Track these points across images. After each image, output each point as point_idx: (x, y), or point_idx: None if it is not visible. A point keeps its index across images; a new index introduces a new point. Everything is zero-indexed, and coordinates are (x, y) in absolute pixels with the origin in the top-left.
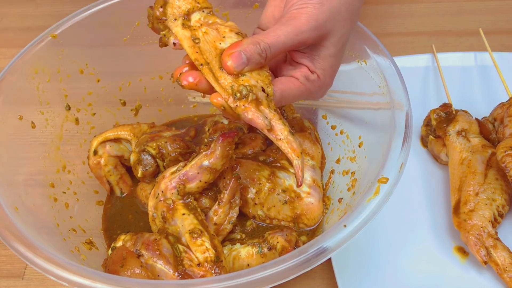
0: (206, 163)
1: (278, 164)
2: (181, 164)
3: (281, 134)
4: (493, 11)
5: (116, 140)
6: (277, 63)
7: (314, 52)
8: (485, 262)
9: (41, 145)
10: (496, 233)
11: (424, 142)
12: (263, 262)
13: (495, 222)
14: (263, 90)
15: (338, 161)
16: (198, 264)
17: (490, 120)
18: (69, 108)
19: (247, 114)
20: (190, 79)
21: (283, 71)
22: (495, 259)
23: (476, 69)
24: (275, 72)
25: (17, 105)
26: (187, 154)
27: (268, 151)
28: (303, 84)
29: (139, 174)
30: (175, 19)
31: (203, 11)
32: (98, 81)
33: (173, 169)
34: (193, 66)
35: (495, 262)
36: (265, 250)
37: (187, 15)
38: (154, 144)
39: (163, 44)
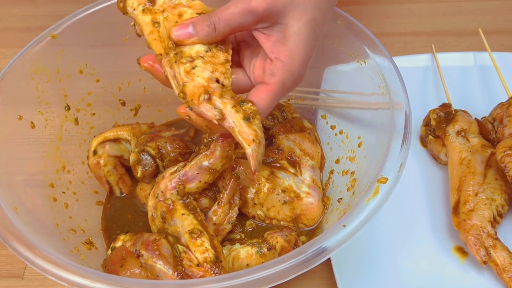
0: (205, 163)
1: (278, 164)
2: (180, 164)
3: (233, 122)
4: (493, 11)
5: (116, 140)
6: (246, 55)
7: (277, 33)
8: (485, 262)
9: (40, 145)
10: (496, 233)
11: (423, 142)
12: (262, 262)
13: (494, 222)
14: (218, 81)
15: (337, 161)
16: (198, 265)
17: (489, 120)
18: (69, 108)
19: (197, 108)
20: (150, 62)
21: (255, 69)
22: (495, 259)
23: (475, 69)
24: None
25: (17, 105)
26: (186, 154)
27: (268, 151)
28: (271, 83)
29: (139, 174)
30: (134, 9)
31: None
32: (98, 81)
33: (173, 169)
34: None
35: (494, 262)
36: (265, 250)
37: (151, 2)
38: (154, 144)
39: (137, 34)
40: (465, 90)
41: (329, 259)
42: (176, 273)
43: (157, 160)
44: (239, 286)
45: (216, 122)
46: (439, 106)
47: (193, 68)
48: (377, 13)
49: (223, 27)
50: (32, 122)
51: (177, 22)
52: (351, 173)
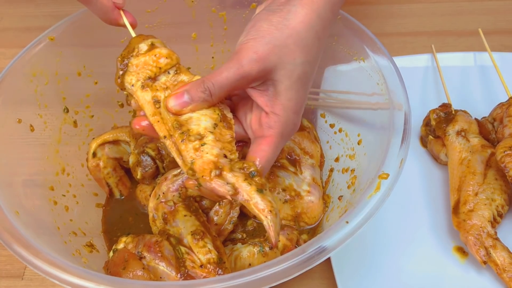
0: None
1: (278, 164)
2: None
3: (247, 195)
4: (493, 11)
5: (115, 142)
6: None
7: (270, 88)
8: (485, 262)
9: (40, 146)
10: (496, 233)
11: (423, 142)
12: (265, 261)
13: (494, 222)
14: (225, 156)
15: (337, 159)
16: (201, 266)
17: (489, 120)
18: (67, 111)
19: (209, 184)
20: (142, 123)
21: (252, 124)
22: (495, 259)
23: (475, 69)
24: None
25: (16, 108)
26: None
27: None
28: (271, 135)
29: (139, 176)
30: (133, 85)
31: (168, 73)
32: (96, 83)
33: (176, 171)
34: None
35: (494, 262)
36: (267, 249)
37: (151, 79)
38: (153, 145)
39: (128, 103)
40: (465, 90)
41: (329, 259)
42: (179, 274)
43: (157, 161)
44: (244, 285)
45: (230, 197)
46: (439, 106)
47: (202, 145)
48: (377, 13)
49: (218, 92)
50: (31, 125)
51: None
52: (351, 170)
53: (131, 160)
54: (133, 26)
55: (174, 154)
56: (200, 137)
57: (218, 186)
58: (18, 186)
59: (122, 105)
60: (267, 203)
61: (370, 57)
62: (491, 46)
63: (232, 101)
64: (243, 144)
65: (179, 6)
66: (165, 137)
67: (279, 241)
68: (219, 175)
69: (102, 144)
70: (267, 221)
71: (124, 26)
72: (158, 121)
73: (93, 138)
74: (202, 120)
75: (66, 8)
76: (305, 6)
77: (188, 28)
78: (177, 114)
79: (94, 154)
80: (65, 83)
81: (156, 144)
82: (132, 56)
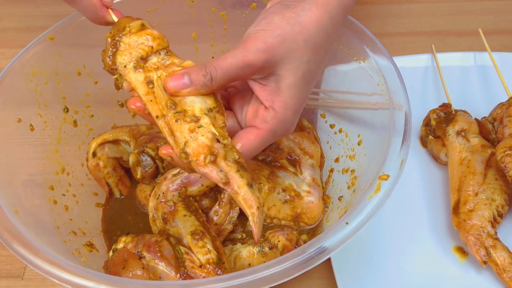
0: None
1: (278, 164)
2: None
3: (238, 188)
4: (493, 11)
5: (115, 141)
6: (242, 105)
7: (272, 83)
8: (485, 262)
9: (39, 147)
10: (496, 233)
11: (423, 142)
12: (264, 262)
13: (494, 222)
14: (218, 141)
15: (337, 159)
16: (200, 266)
17: (489, 120)
18: (67, 110)
19: (202, 169)
20: (138, 104)
21: (248, 114)
22: (495, 259)
23: (475, 69)
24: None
25: (16, 108)
26: None
27: (268, 150)
28: (263, 129)
29: (139, 175)
30: (125, 66)
31: (159, 54)
32: (96, 82)
33: (175, 171)
34: None
35: (494, 262)
36: (266, 249)
37: (143, 59)
38: (153, 145)
39: (117, 87)
40: (465, 90)
41: (329, 259)
42: (178, 274)
43: (157, 161)
44: (243, 285)
45: (221, 185)
46: (439, 106)
47: (198, 127)
48: (377, 13)
49: (220, 77)
50: (31, 125)
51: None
52: (351, 171)
53: (131, 159)
54: None
55: (166, 134)
56: (196, 119)
57: (212, 172)
58: (18, 186)
59: (122, 105)
60: (255, 199)
61: (370, 57)
62: (491, 46)
63: (228, 92)
64: None
65: (179, 6)
66: (157, 117)
67: (298, 238)
68: (213, 162)
69: (102, 144)
70: (253, 217)
71: (112, 23)
72: (151, 101)
73: (93, 138)
74: (196, 102)
75: (66, 8)
76: (319, 6)
77: (188, 28)
78: (173, 95)
79: (94, 154)
80: (65, 82)
81: (156, 144)
82: (123, 35)
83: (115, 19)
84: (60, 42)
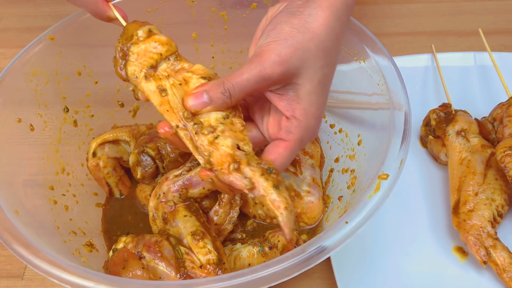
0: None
1: None
2: (185, 168)
3: (264, 191)
4: (493, 11)
5: (115, 141)
6: (262, 115)
7: (290, 92)
8: (485, 262)
9: (40, 146)
10: (496, 233)
11: (423, 142)
12: (264, 261)
13: (494, 222)
14: (238, 147)
15: (337, 159)
16: (201, 266)
17: (489, 120)
18: (67, 110)
19: (227, 177)
20: (166, 129)
21: (270, 126)
22: (495, 259)
23: (475, 69)
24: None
25: (16, 108)
26: (186, 155)
27: None
28: (290, 140)
29: (139, 175)
30: (136, 77)
31: (168, 59)
32: (96, 82)
33: (177, 172)
34: None
35: (494, 262)
36: (266, 249)
37: (152, 68)
38: (153, 145)
39: (136, 97)
40: (465, 90)
41: (329, 259)
42: (178, 274)
43: (157, 161)
44: (243, 285)
45: (246, 191)
46: (439, 106)
47: (216, 138)
48: (377, 13)
49: (238, 94)
50: (31, 125)
51: (184, 89)
52: (351, 171)
53: (131, 159)
54: (124, 20)
55: (189, 145)
56: (213, 130)
57: (236, 179)
58: (18, 186)
59: (122, 105)
60: (283, 200)
61: (370, 57)
62: (491, 46)
63: (246, 101)
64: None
65: (179, 6)
66: (177, 126)
67: (298, 238)
68: (237, 169)
69: (102, 144)
70: (282, 217)
71: (114, 19)
72: (168, 110)
73: (93, 138)
74: (212, 113)
75: (66, 8)
76: (325, 9)
77: (188, 28)
78: (195, 114)
79: (94, 154)
80: (65, 82)
81: (156, 144)
82: (131, 44)
83: (117, 15)
84: (60, 42)
